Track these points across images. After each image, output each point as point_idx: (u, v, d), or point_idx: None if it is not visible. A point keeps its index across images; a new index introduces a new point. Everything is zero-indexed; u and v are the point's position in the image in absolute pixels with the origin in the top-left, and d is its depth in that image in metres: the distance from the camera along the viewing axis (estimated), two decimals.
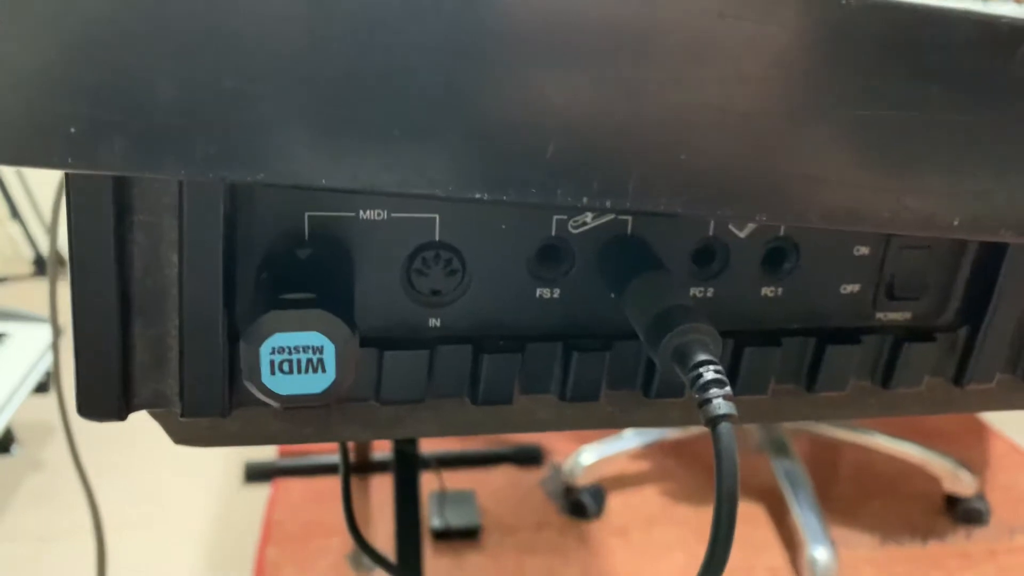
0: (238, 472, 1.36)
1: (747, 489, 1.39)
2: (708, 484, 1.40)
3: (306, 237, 0.29)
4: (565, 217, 0.30)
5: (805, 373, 0.33)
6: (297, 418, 0.32)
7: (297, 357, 0.24)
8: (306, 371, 0.24)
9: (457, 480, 1.35)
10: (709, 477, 1.42)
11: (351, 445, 1.37)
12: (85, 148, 0.22)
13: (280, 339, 0.24)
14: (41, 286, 1.75)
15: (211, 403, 0.29)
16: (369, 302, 0.30)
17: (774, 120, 0.24)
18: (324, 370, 0.24)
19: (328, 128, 0.22)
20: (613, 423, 0.34)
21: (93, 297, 0.27)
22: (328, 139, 0.22)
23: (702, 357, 0.25)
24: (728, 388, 0.25)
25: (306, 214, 0.29)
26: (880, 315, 0.34)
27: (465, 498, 1.30)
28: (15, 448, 1.32)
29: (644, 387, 0.32)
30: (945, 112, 0.25)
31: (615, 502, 1.36)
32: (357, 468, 1.37)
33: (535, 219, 0.30)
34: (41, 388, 1.28)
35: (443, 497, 1.29)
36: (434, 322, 0.31)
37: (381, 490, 1.34)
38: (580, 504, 1.30)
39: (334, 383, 0.25)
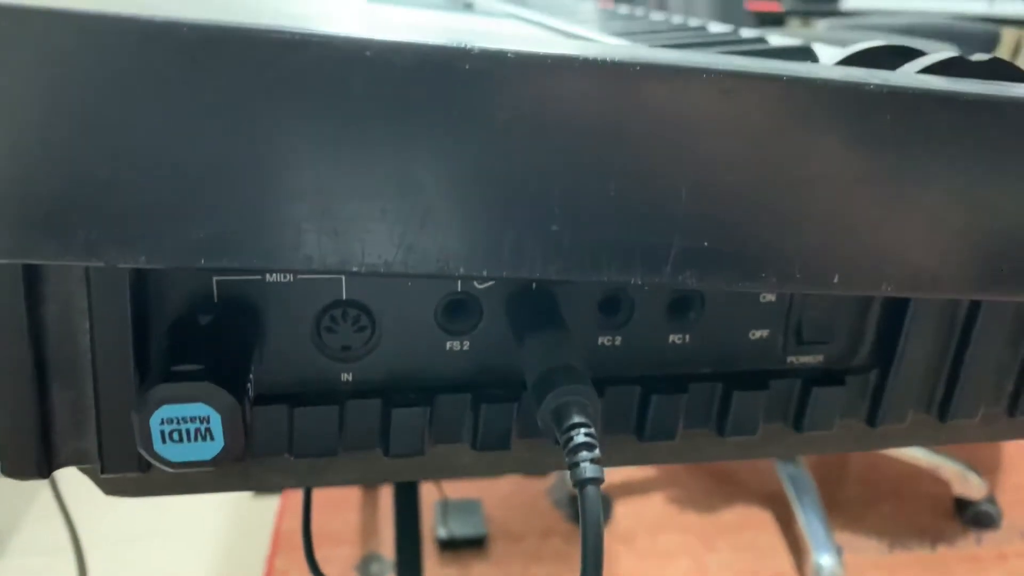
0: None
1: (753, 494, 1.39)
2: (714, 491, 1.40)
3: (215, 300, 0.30)
4: None
5: (715, 417, 0.34)
6: (220, 470, 0.33)
7: (186, 427, 0.25)
8: (195, 439, 0.25)
9: (463, 489, 1.37)
10: (715, 484, 1.42)
11: None
12: None
13: (168, 411, 0.25)
14: None
15: (129, 461, 0.30)
16: (281, 359, 0.31)
17: (634, 187, 0.25)
18: (212, 438, 0.25)
19: (188, 213, 0.23)
20: (530, 468, 0.34)
21: (9, 363, 0.28)
22: (189, 224, 0.23)
23: (576, 420, 0.26)
24: (597, 451, 0.25)
25: (214, 279, 0.30)
26: (791, 359, 0.34)
27: (471, 507, 1.31)
28: None
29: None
30: (818, 174, 0.26)
31: (621, 509, 1.36)
32: None
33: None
34: None
35: (448, 506, 1.30)
36: (346, 376, 0.32)
37: (388, 500, 1.35)
38: None
39: (223, 450, 0.26)
